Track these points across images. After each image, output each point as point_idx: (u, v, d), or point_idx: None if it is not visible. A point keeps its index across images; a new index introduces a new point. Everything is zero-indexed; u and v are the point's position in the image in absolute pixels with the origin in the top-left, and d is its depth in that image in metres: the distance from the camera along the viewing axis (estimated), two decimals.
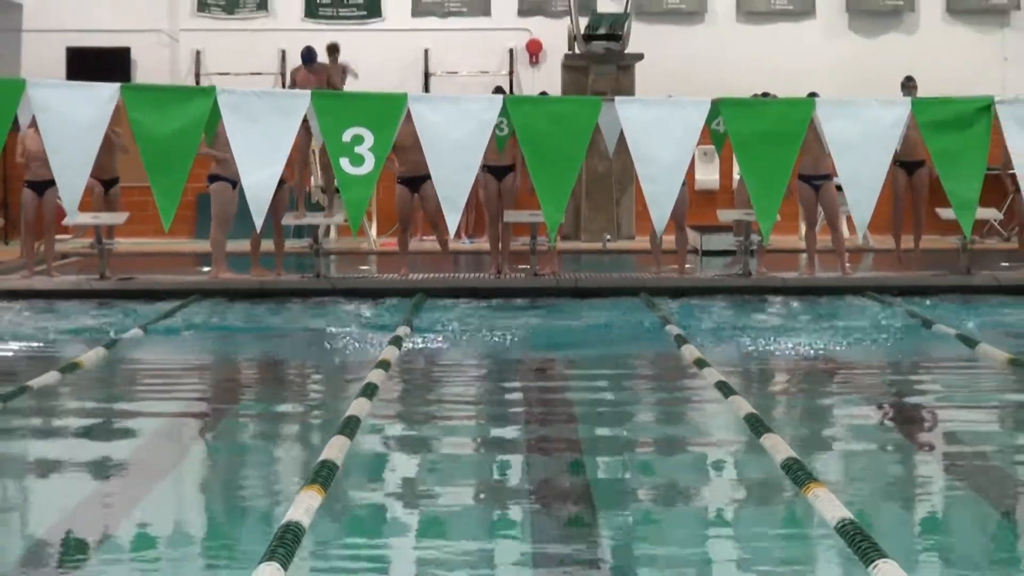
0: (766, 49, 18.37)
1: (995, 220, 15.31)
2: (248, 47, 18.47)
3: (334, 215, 14.22)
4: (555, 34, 18.11)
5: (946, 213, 11.04)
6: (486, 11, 18.87)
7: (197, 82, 18.20)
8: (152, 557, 4.72)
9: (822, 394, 7.92)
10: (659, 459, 6.29)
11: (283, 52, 18.39)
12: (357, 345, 9.09)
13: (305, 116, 10.22)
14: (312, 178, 15.81)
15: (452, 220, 10.19)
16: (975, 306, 10.67)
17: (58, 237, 13.58)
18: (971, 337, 8.92)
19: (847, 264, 12.40)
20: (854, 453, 6.38)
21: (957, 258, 12.22)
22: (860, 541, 4.22)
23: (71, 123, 9.77)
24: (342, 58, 16.38)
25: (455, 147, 10.06)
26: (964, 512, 5.40)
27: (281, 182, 10.96)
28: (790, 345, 9.06)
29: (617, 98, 10.84)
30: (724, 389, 7.00)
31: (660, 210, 10.30)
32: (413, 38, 18.60)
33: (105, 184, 12.33)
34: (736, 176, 14.59)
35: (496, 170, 12.26)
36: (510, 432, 6.81)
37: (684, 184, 10.95)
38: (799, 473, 5.16)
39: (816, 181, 12.10)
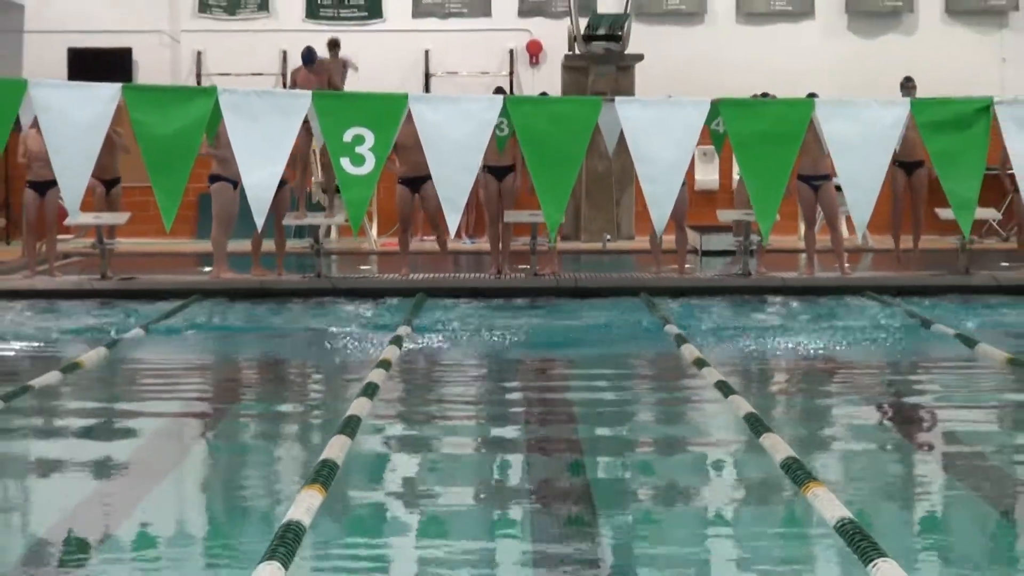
0: (765, 50, 18.38)
1: (994, 220, 15.34)
2: (249, 48, 18.47)
3: (335, 215, 14.23)
4: (555, 35, 18.11)
5: (945, 213, 11.04)
6: (486, 12, 18.88)
7: (198, 82, 18.20)
8: (153, 556, 4.73)
9: (821, 394, 7.94)
10: (659, 459, 6.31)
11: (284, 53, 18.40)
12: (358, 345, 9.11)
13: (306, 116, 10.24)
14: (313, 178, 15.83)
15: (452, 220, 10.20)
16: (974, 306, 10.69)
17: (60, 237, 13.59)
18: (970, 337, 8.94)
19: (846, 264, 12.42)
20: (853, 452, 6.39)
21: (956, 258, 12.23)
22: (859, 540, 4.23)
23: (73, 123, 9.77)
24: (342, 54, 16.42)
25: (455, 147, 10.07)
26: (963, 511, 5.42)
27: (282, 182, 10.98)
28: (790, 345, 9.08)
29: (617, 98, 10.84)
30: (724, 389, 7.02)
31: (660, 210, 10.30)
32: (414, 39, 18.61)
33: (107, 184, 12.36)
34: (736, 176, 14.61)
35: (496, 170, 12.28)
36: (510, 432, 6.83)
37: (684, 184, 10.96)
38: (798, 472, 5.18)
39: (815, 181, 12.13)
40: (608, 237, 15.93)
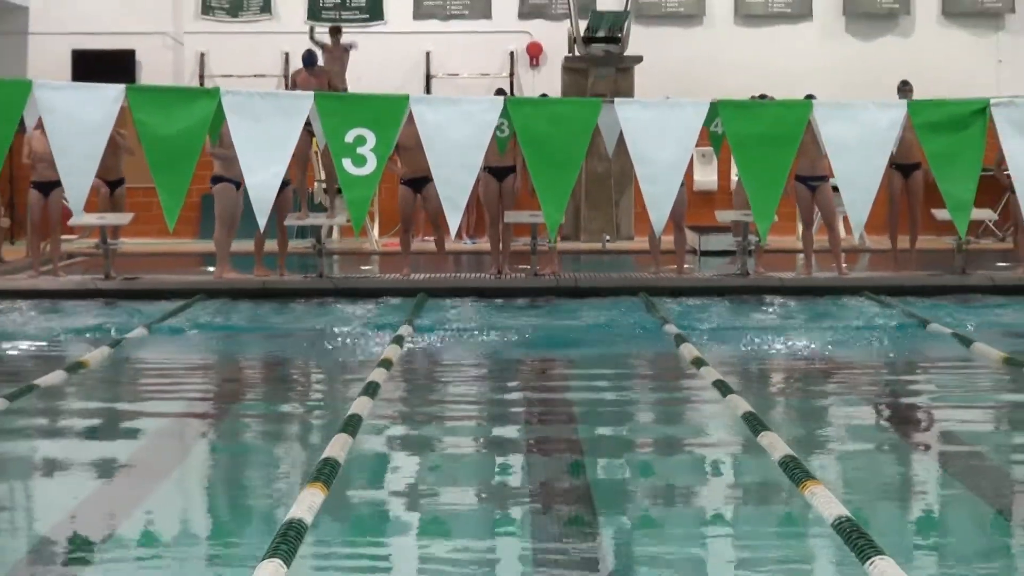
0: (764, 51, 18.42)
1: (990, 221, 15.41)
2: (251, 49, 18.50)
3: (336, 216, 14.25)
4: (555, 37, 18.15)
5: (942, 214, 11.07)
6: (487, 14, 18.90)
7: (201, 84, 18.23)
8: (156, 554, 4.77)
9: (819, 393, 7.96)
10: (658, 458, 6.34)
11: (286, 54, 18.43)
12: (359, 344, 9.15)
13: (308, 117, 10.28)
14: (315, 179, 15.87)
15: (453, 221, 10.24)
16: (971, 306, 10.73)
17: (64, 237, 13.65)
18: (967, 336, 8.98)
19: (844, 264, 12.46)
20: (851, 451, 6.42)
21: (953, 258, 12.28)
22: (857, 538, 4.24)
23: (77, 124, 9.81)
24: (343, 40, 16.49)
25: (456, 148, 10.10)
26: (960, 509, 5.45)
27: (285, 183, 11.03)
28: (788, 344, 9.12)
29: (616, 100, 10.88)
30: (722, 388, 7.04)
31: (659, 211, 10.34)
32: (415, 41, 18.64)
33: (111, 185, 12.41)
34: (734, 177, 14.65)
35: (497, 171, 12.32)
36: (511, 432, 6.86)
37: (683, 185, 11.01)
38: (796, 471, 5.19)
39: (813, 182, 12.17)
40: (607, 237, 15.98)
